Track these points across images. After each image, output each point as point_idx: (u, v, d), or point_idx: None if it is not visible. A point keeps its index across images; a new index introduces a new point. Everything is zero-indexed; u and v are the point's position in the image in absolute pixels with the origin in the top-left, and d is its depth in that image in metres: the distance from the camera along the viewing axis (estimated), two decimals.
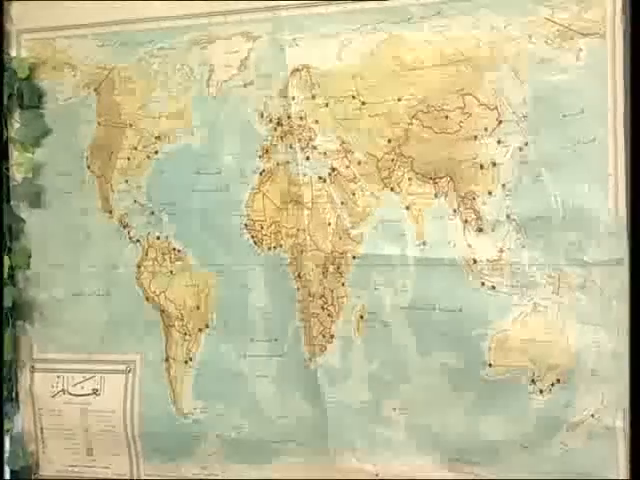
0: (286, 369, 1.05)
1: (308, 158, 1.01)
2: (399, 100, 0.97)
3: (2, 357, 1.11)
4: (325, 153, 1.00)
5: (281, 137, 1.02)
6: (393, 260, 0.99)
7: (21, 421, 1.15)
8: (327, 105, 1.00)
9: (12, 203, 1.12)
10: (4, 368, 1.11)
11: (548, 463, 0.97)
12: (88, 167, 1.09)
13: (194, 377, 1.08)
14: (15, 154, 1.11)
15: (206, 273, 1.06)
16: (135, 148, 1.07)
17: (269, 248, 1.04)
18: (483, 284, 0.96)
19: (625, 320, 0.93)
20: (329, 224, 1.01)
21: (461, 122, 0.95)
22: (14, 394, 1.14)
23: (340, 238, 1.01)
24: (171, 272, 1.08)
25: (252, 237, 1.04)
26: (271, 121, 1.02)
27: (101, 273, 1.10)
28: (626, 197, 0.91)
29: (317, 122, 1.00)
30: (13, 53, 1.11)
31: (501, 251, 0.96)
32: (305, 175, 1.01)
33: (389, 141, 0.98)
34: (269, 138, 1.02)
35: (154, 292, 1.08)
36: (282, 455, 1.06)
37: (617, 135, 0.91)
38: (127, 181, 1.08)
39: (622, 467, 0.95)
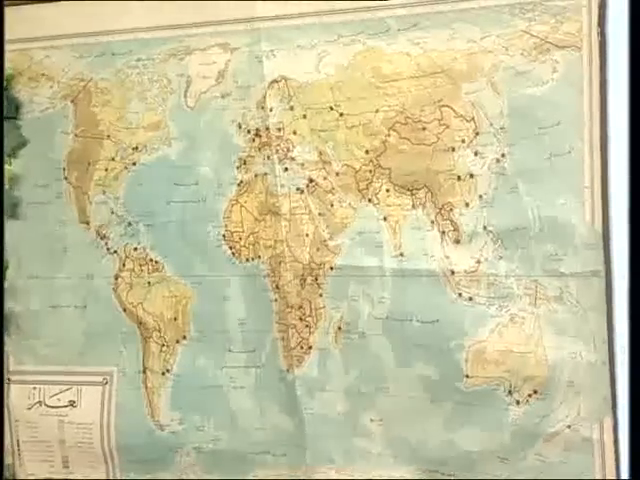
0: (264, 380, 1.04)
1: (286, 169, 1.01)
2: (377, 112, 0.97)
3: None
4: (303, 164, 1.00)
5: (259, 148, 1.01)
6: (371, 271, 0.99)
7: None
8: (305, 117, 0.99)
9: None
10: None
11: (525, 474, 0.97)
12: (65, 178, 1.08)
13: (171, 389, 1.07)
14: None
15: (184, 284, 1.06)
16: (112, 159, 1.06)
17: (247, 259, 1.03)
18: (460, 295, 0.96)
19: (601, 331, 0.93)
20: (307, 235, 1.01)
21: (438, 134, 0.95)
22: None
23: (318, 249, 1.01)
24: (148, 283, 1.07)
25: (230, 248, 1.04)
26: (249, 132, 1.01)
27: (78, 285, 1.09)
28: (602, 209, 0.91)
29: (295, 133, 1.00)
30: None
31: (478, 262, 0.96)
32: (283, 186, 1.01)
33: (367, 152, 0.98)
34: (247, 149, 1.02)
35: (131, 303, 1.08)
36: (259, 467, 1.06)
37: (593, 147, 0.91)
38: (104, 192, 1.07)
39: (598, 478, 0.95)
